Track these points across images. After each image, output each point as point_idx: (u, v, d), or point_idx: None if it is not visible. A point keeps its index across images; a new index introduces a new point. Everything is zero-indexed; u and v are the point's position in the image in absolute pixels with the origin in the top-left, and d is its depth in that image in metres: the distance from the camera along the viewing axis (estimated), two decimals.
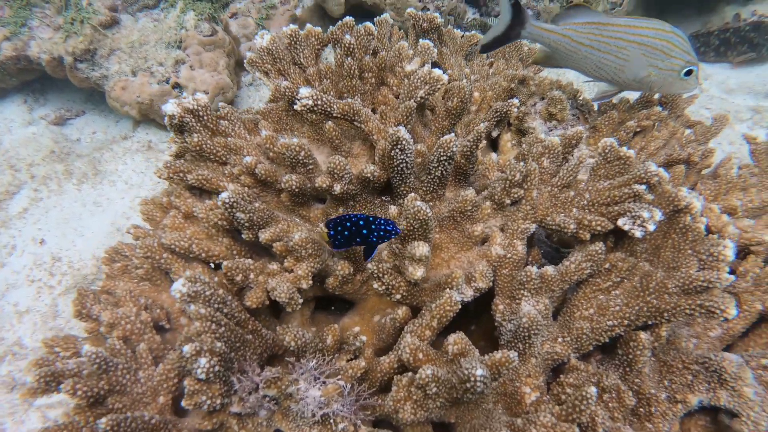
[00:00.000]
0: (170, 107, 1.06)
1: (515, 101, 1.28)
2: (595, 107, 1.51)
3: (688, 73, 1.15)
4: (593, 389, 0.77)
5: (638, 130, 1.37)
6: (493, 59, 1.61)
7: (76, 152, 2.42)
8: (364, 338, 0.88)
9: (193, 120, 1.07)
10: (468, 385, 0.71)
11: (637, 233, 0.89)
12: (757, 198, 1.25)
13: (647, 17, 1.18)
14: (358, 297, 1.00)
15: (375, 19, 1.42)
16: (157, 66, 2.37)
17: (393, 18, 2.54)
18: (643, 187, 0.94)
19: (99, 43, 2.38)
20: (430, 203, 1.04)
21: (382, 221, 0.81)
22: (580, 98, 1.49)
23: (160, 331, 0.97)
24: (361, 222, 0.81)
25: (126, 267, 1.06)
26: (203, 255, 1.00)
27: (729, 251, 0.89)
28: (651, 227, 0.89)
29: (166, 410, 0.84)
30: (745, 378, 0.85)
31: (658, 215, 0.90)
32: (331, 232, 0.82)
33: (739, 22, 2.81)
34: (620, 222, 0.91)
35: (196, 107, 1.08)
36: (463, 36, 1.59)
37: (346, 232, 0.81)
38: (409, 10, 1.46)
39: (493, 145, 1.45)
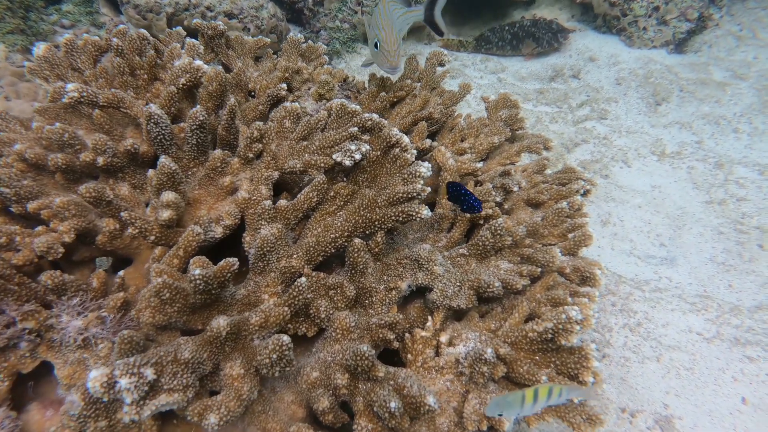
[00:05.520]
0: None
1: (283, 86, 1.49)
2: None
3: (376, 45, 1.32)
4: (303, 279, 0.97)
5: (395, 100, 1.64)
6: (279, 59, 1.84)
7: None
8: (121, 273, 1.03)
9: None
10: (193, 284, 0.89)
11: (347, 162, 1.12)
12: (485, 142, 1.55)
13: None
14: (133, 252, 1.14)
15: (166, 30, 1.60)
16: None
17: None
18: (356, 129, 1.17)
19: None
20: (194, 168, 1.22)
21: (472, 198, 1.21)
22: (351, 81, 1.75)
23: None
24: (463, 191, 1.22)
25: None
26: None
27: (424, 169, 1.15)
28: (357, 156, 1.12)
29: None
30: (435, 260, 1.10)
31: (365, 147, 1.14)
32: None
33: (523, 21, 3.30)
34: (334, 156, 1.13)
35: None
36: (253, 41, 1.80)
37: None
38: (195, 20, 1.66)
39: None
